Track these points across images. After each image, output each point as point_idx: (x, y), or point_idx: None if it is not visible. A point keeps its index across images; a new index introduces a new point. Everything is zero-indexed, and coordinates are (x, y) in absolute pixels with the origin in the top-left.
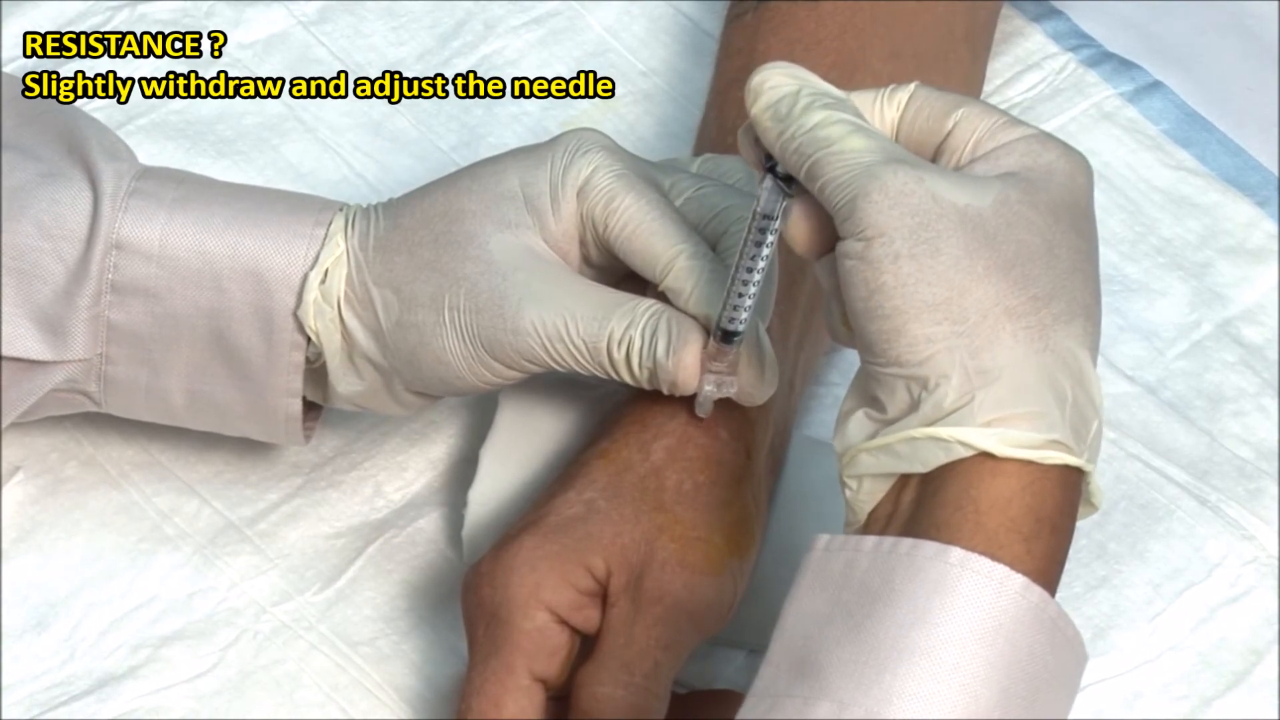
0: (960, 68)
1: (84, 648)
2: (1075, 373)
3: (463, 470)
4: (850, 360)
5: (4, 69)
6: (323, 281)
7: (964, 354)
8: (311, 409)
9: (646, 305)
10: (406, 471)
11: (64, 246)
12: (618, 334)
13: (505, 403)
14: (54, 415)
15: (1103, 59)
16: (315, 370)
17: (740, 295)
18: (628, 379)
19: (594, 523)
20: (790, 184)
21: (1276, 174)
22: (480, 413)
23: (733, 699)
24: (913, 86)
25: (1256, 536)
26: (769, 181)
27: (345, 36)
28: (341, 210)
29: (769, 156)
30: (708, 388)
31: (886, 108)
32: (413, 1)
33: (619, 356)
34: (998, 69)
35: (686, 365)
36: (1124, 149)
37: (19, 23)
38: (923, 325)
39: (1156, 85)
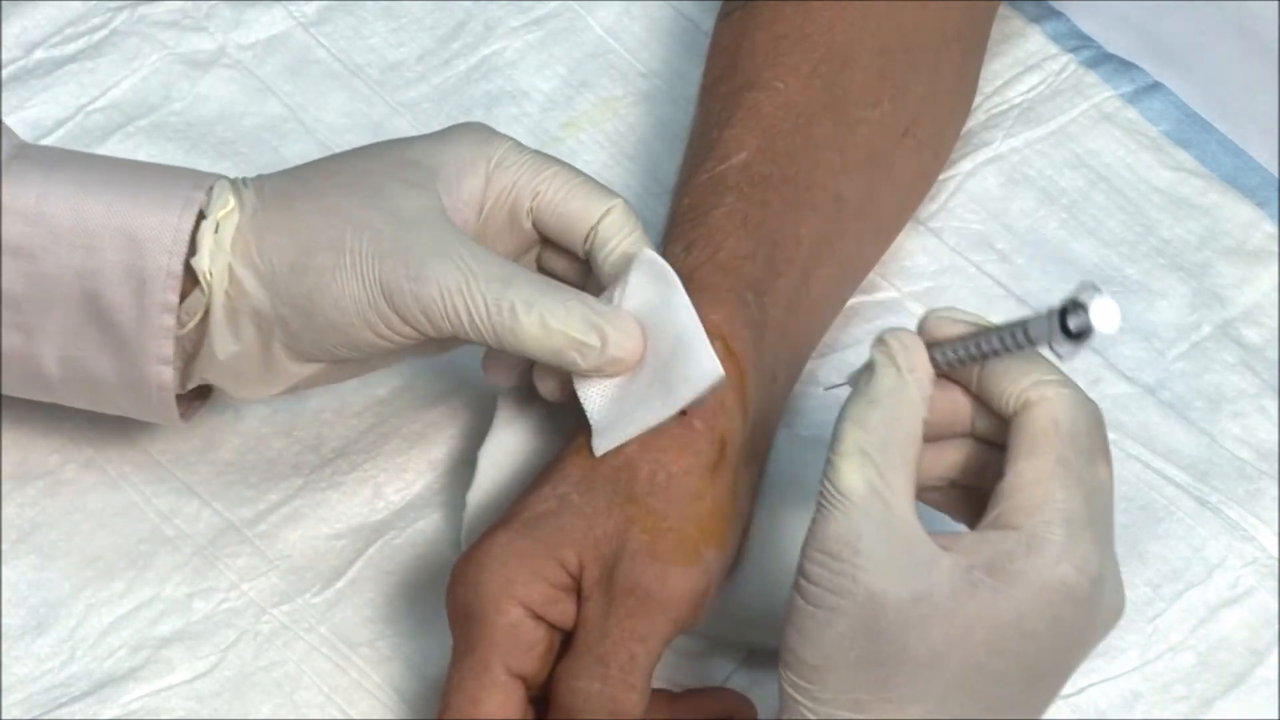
0: (951, 65)
1: (84, 649)
2: None
3: (463, 472)
4: (848, 361)
5: (4, 69)
6: (215, 232)
7: None
8: (196, 396)
9: (551, 280)
10: (406, 473)
11: None
12: (524, 295)
13: (503, 405)
14: None
15: (1102, 60)
16: (187, 351)
17: None
18: (526, 344)
19: (566, 516)
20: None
21: (1276, 175)
22: (480, 415)
23: (728, 697)
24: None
25: (1256, 537)
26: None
27: (345, 37)
28: (225, 178)
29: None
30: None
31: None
32: (413, 2)
33: (529, 319)
34: (997, 70)
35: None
36: (1124, 150)
37: (19, 23)
38: (799, 675)
39: (1156, 86)
